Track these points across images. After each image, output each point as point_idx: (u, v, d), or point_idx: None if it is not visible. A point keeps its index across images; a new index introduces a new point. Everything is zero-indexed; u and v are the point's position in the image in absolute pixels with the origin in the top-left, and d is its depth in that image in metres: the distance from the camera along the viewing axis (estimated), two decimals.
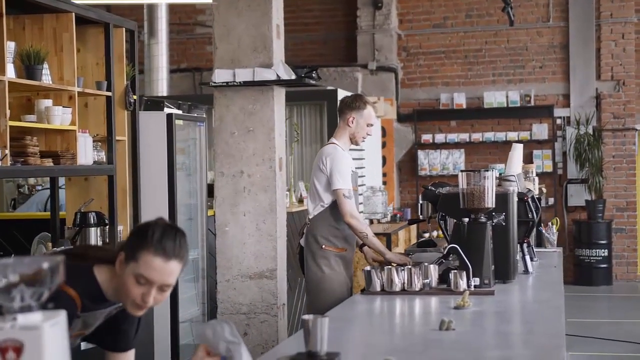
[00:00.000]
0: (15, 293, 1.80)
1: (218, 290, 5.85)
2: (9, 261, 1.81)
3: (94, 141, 5.75)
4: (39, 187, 8.66)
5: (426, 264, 4.49)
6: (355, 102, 5.48)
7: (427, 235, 11.05)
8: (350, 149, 9.75)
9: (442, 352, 3.13)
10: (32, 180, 8.98)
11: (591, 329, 9.53)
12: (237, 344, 2.51)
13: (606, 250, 12.62)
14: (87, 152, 5.55)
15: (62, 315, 1.81)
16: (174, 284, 2.78)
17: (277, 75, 5.70)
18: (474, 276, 4.40)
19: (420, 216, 5.37)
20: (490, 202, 4.52)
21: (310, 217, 5.49)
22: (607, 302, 11.97)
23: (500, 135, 13.05)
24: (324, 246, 5.40)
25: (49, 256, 1.84)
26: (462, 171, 4.60)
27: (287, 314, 6.08)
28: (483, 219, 4.53)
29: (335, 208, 5.37)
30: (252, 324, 5.76)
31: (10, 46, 4.89)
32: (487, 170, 4.56)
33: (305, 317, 2.78)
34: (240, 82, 5.72)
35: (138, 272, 2.68)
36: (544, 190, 9.64)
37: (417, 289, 4.35)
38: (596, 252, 12.58)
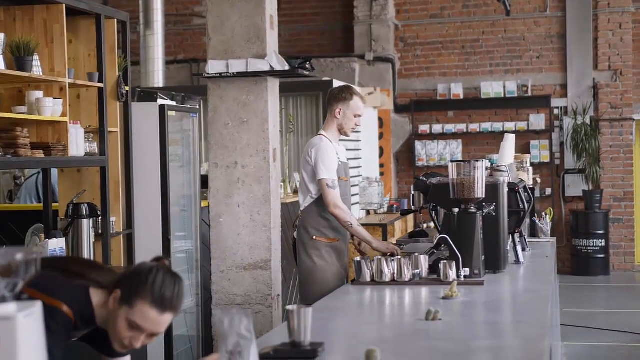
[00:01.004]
0: None
1: (212, 281, 5.86)
2: None
3: (86, 132, 5.75)
4: None
5: (417, 254, 4.49)
6: (342, 94, 5.50)
7: (424, 225, 11.06)
8: (348, 140, 9.80)
9: (427, 342, 3.14)
10: (28, 172, 8.97)
11: (588, 319, 9.54)
12: (249, 340, 2.50)
13: (603, 240, 12.62)
14: (78, 144, 5.54)
15: (37, 306, 1.81)
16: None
17: (271, 66, 5.69)
18: (464, 266, 4.41)
19: (412, 207, 5.38)
20: (480, 192, 4.53)
21: (301, 208, 5.52)
22: (604, 292, 11.98)
23: (498, 126, 13.05)
24: (314, 237, 5.43)
25: (24, 248, 1.84)
26: (452, 161, 4.61)
27: (281, 304, 6.09)
28: (473, 210, 4.54)
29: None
30: None
31: None
32: (477, 161, 4.56)
33: (289, 307, 2.80)
34: (233, 73, 5.71)
35: (131, 319, 2.70)
36: (539, 180, 9.64)
37: (406, 280, 4.35)
38: (593, 242, 12.59)
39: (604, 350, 8.25)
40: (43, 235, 5.73)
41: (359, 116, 5.53)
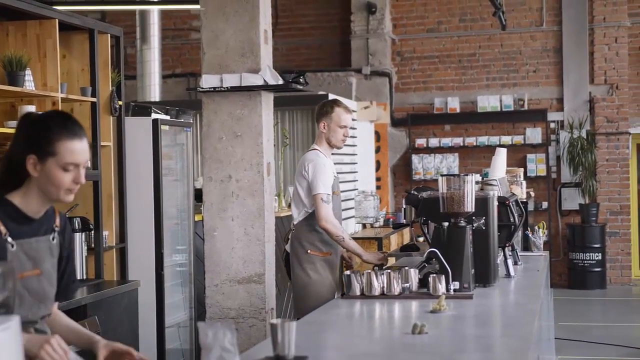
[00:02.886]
0: None
1: (206, 294, 5.86)
2: None
3: None
4: None
5: (407, 268, 4.50)
6: (324, 108, 5.60)
7: (421, 239, 11.06)
8: (343, 153, 9.80)
9: (411, 356, 3.15)
10: None
11: (583, 332, 9.53)
12: (232, 353, 2.52)
13: (600, 254, 12.63)
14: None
15: (14, 321, 1.82)
16: None
17: (264, 80, 5.71)
18: (453, 280, 4.41)
19: (404, 220, 5.41)
20: (469, 206, 4.54)
21: (295, 222, 5.56)
22: (601, 305, 11.97)
23: (494, 140, 13.07)
24: (309, 251, 5.48)
25: (1, 262, 1.86)
26: (442, 175, 4.62)
27: (275, 318, 6.09)
28: (463, 223, 4.55)
29: None
30: (241, 328, 5.77)
31: None
32: (467, 175, 4.57)
33: (273, 321, 2.81)
34: (227, 88, 5.74)
35: (64, 162, 2.81)
36: (532, 194, 9.67)
37: (396, 293, 4.36)
38: (590, 255, 12.59)
39: None
40: None
41: (345, 127, 5.57)
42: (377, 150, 12.76)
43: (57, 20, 5.44)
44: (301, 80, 5.96)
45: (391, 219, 11.04)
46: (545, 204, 12.95)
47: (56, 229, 3.00)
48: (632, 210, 13.10)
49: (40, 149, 2.81)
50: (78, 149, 2.82)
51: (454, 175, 4.63)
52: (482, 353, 3.24)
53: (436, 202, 4.64)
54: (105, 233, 6.04)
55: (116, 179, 6.25)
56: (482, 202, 4.71)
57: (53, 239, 2.97)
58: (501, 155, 5.95)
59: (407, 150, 13.42)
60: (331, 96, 9.88)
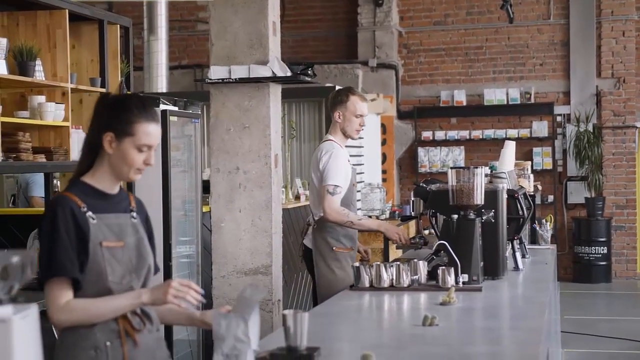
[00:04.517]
0: None
1: (213, 286, 5.87)
2: None
3: None
4: None
5: (415, 260, 4.51)
6: (338, 97, 5.51)
7: (427, 232, 11.04)
8: (349, 146, 9.79)
9: (421, 347, 3.16)
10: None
11: (589, 326, 9.54)
12: (246, 344, 2.52)
13: (605, 247, 12.63)
14: (80, 148, 5.57)
15: (33, 309, 1.83)
16: None
17: (273, 72, 5.71)
18: (462, 273, 4.41)
19: (412, 213, 5.40)
20: (479, 198, 4.54)
21: (317, 218, 5.47)
22: (606, 299, 11.99)
23: (501, 133, 13.06)
24: (335, 248, 5.40)
25: (20, 251, 1.87)
26: (451, 168, 4.62)
27: (282, 310, 6.10)
28: (472, 216, 4.55)
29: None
30: None
31: (2, 42, 4.92)
32: (477, 168, 4.57)
33: (285, 312, 2.81)
34: (235, 79, 5.73)
35: (140, 143, 2.93)
36: (539, 187, 9.66)
37: (405, 285, 4.36)
38: (595, 249, 12.60)
39: (604, 358, 8.26)
40: None
41: (360, 116, 5.48)
42: (383, 142, 12.77)
43: (67, 10, 5.45)
44: (309, 72, 5.96)
45: (397, 212, 11.04)
46: (551, 198, 12.95)
47: (133, 209, 3.09)
48: (638, 204, 13.09)
49: (118, 128, 2.92)
50: (154, 132, 2.95)
51: (463, 167, 4.62)
52: (493, 345, 3.25)
53: (445, 195, 4.64)
54: None
55: None
56: (491, 195, 4.71)
57: (133, 218, 3.06)
58: (510, 148, 5.95)
59: (413, 143, 13.42)
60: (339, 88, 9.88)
